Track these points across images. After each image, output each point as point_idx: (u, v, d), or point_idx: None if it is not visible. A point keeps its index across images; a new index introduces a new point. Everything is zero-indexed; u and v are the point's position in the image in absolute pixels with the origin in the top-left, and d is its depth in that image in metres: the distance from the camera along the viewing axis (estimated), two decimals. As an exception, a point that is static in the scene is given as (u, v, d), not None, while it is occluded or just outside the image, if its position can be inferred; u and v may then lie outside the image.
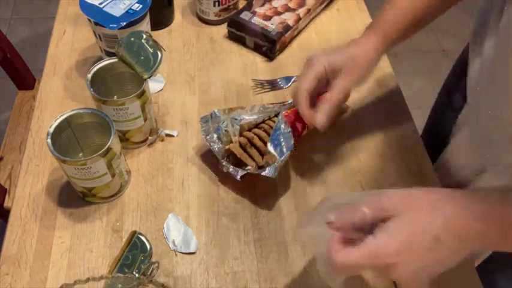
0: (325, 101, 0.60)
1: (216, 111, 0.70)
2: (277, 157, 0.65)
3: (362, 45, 0.62)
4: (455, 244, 0.42)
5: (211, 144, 0.68)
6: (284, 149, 0.65)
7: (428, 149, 0.76)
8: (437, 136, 0.80)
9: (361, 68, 0.61)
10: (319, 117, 0.59)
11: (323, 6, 0.95)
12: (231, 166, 0.67)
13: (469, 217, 0.42)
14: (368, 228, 0.44)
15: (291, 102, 0.73)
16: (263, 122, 0.71)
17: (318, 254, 0.52)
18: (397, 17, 0.62)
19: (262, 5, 0.90)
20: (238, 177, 0.66)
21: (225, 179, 0.70)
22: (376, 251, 0.42)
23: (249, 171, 0.66)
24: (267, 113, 0.70)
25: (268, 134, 0.68)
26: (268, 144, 0.66)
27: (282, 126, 0.66)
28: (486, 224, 0.41)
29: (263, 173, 0.64)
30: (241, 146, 0.69)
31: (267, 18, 0.88)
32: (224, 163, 0.68)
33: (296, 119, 0.71)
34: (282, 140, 0.65)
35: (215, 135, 0.69)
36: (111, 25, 0.73)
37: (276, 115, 0.69)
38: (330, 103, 0.59)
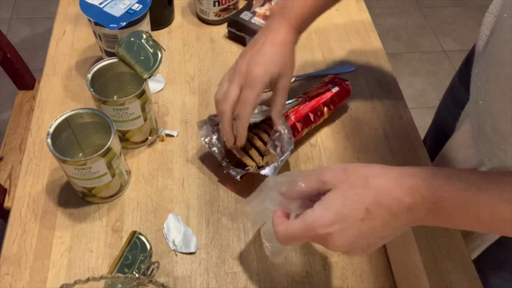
0: (275, 105, 0.63)
1: (212, 115, 0.70)
2: (277, 157, 0.65)
3: (286, 46, 0.61)
4: (387, 217, 0.44)
5: (211, 146, 0.68)
6: (284, 149, 0.65)
7: (433, 146, 0.77)
8: (442, 132, 0.80)
9: (292, 69, 0.63)
10: (278, 121, 0.64)
11: (323, 6, 0.95)
12: (232, 167, 0.67)
13: (399, 192, 0.43)
14: (315, 200, 0.46)
15: (291, 102, 0.73)
16: (263, 122, 0.71)
17: (262, 229, 0.56)
18: (308, 5, 0.62)
19: (262, 5, 0.90)
20: (238, 177, 0.66)
21: (225, 179, 0.70)
22: (312, 222, 0.44)
23: (249, 171, 0.66)
24: (266, 113, 0.70)
25: (268, 134, 0.68)
26: (268, 145, 0.66)
27: (283, 127, 0.66)
28: (415, 199, 0.43)
29: (263, 172, 0.64)
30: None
31: (267, 18, 0.87)
32: (224, 164, 0.68)
33: (296, 119, 0.71)
34: (281, 140, 0.65)
35: (214, 137, 0.69)
36: (111, 25, 0.73)
37: (276, 115, 0.69)
38: (280, 107, 0.63)
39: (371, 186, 0.44)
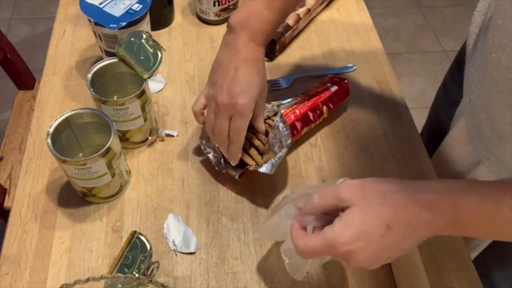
0: (258, 115, 0.64)
1: None
2: (275, 155, 0.65)
3: (258, 63, 0.61)
4: (406, 232, 0.44)
5: (208, 148, 0.69)
6: (282, 146, 0.65)
7: (428, 144, 0.77)
8: (437, 130, 0.80)
9: (266, 80, 0.63)
10: (262, 129, 0.66)
11: (323, 6, 0.95)
12: (230, 167, 0.67)
13: (417, 208, 0.44)
14: (334, 215, 0.47)
15: (290, 101, 0.73)
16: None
17: (282, 247, 0.56)
18: (270, 19, 0.61)
19: (262, 5, 0.90)
20: (237, 176, 0.66)
21: (225, 179, 0.70)
22: (332, 240, 0.45)
23: (247, 169, 0.66)
24: (266, 113, 0.70)
25: (267, 133, 0.68)
26: (267, 144, 0.66)
27: (281, 125, 0.66)
28: (433, 213, 0.44)
29: (260, 170, 0.64)
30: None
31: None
32: (223, 164, 0.68)
33: (295, 118, 0.71)
34: (279, 137, 0.65)
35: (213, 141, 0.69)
36: (111, 25, 0.73)
37: (275, 114, 0.69)
38: (262, 116, 0.66)
39: (389, 202, 0.44)
